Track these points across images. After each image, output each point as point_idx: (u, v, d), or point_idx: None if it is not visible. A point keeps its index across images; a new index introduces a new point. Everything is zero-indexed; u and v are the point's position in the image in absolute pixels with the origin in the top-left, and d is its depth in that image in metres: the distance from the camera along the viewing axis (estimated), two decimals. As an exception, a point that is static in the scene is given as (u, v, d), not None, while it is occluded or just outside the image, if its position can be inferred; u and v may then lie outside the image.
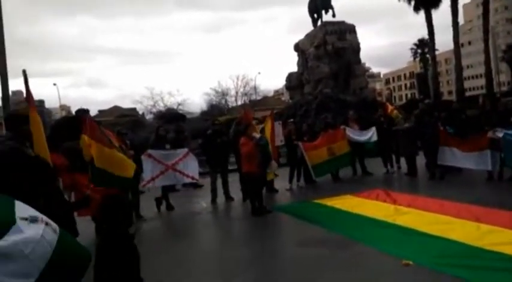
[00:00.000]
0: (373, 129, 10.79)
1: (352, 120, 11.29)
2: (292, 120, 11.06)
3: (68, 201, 5.22)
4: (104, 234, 2.71)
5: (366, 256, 4.87)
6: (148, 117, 43.41)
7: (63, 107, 63.74)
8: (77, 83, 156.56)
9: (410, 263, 4.38)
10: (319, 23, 23.34)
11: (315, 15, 23.61)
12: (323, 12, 23.06)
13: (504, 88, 47.90)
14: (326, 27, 22.13)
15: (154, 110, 46.57)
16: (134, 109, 48.46)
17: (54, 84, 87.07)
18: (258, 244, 5.97)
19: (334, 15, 22.71)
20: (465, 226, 5.52)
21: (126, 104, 60.57)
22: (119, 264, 2.53)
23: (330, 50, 21.53)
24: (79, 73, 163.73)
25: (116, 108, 51.83)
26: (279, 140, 9.48)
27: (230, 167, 9.78)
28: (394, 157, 11.17)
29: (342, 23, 22.37)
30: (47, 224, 2.11)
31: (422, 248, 4.86)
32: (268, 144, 8.20)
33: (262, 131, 9.02)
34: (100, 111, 51.46)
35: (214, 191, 9.23)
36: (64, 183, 5.79)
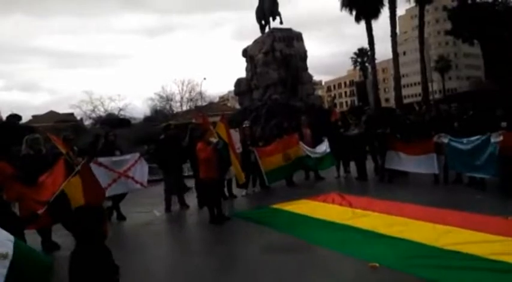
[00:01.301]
0: (325, 141, 10.84)
1: (305, 126, 11.43)
2: (247, 124, 10.93)
3: (18, 217, 4.77)
4: (77, 248, 2.46)
5: (332, 260, 4.88)
6: (87, 122, 41.52)
7: (-8, 112, 59.21)
8: (8, 86, 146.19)
9: (377, 265, 4.43)
10: (266, 29, 23.60)
11: (263, 22, 23.86)
12: (270, 19, 23.34)
13: (437, 96, 51.28)
14: (274, 33, 22.41)
15: (93, 115, 44.64)
16: (72, 114, 46.13)
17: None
18: (220, 252, 5.81)
19: (281, 22, 23.08)
20: (422, 227, 5.69)
21: (62, 109, 57.60)
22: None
23: (278, 56, 21.81)
24: (11, 76, 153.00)
25: (51, 113, 49.09)
26: (236, 147, 9.34)
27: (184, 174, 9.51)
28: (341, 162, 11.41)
29: (289, 30, 22.77)
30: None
31: (385, 250, 4.95)
32: (225, 149, 8.03)
33: (218, 136, 8.85)
34: (34, 117, 48.47)
35: (168, 199, 8.91)
36: (9, 194, 5.28)
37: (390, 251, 4.90)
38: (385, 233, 5.58)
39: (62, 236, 6.12)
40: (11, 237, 2.44)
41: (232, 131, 9.44)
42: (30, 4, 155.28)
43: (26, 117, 34.38)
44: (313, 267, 4.73)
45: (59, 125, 25.54)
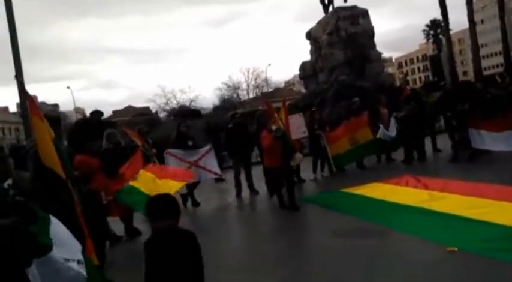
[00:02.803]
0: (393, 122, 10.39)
1: (382, 105, 11.00)
2: (315, 108, 10.81)
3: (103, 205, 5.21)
4: (151, 237, 2.63)
5: (407, 245, 4.70)
6: (162, 115, 43.51)
7: (77, 110, 64.41)
8: (89, 85, 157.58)
9: (456, 249, 4.21)
10: (330, 9, 22.91)
11: (326, 1, 23.18)
12: (334, -3, 22.62)
13: (522, 65, 46.72)
14: (338, 13, 21.69)
15: (167, 107, 46.70)
16: (148, 108, 48.58)
17: (68, 88, 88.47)
18: (290, 237, 5.85)
19: (345, 1, 22.28)
20: (505, 208, 5.29)
21: (139, 103, 60.81)
22: None
23: (343, 36, 21.12)
24: (91, 75, 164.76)
25: (129, 108, 52.08)
26: (302, 131, 9.29)
27: (253, 160, 9.68)
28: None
29: (354, 7, 21.89)
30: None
31: (464, 234, 4.68)
32: (286, 136, 7.70)
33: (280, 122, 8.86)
34: (114, 112, 51.82)
35: (238, 186, 9.14)
36: (95, 185, 5.75)
37: (470, 234, 4.62)
38: (464, 215, 5.25)
39: (142, 222, 6.55)
40: (80, 247, 2.70)
41: (296, 115, 9.40)
42: (99, 7, 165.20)
43: (106, 113, 36.98)
44: (386, 252, 4.61)
45: (136, 119, 27.08)
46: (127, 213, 6.63)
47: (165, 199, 2.78)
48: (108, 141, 6.79)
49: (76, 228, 3.04)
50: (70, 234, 2.63)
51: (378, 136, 10.21)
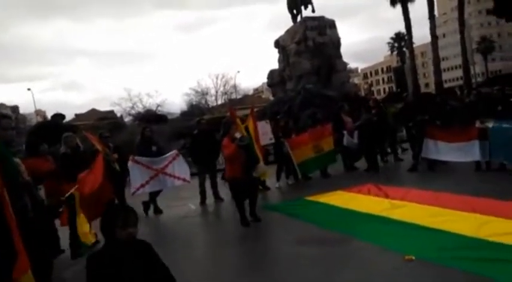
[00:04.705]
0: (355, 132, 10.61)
1: (345, 113, 11.20)
2: (280, 116, 10.87)
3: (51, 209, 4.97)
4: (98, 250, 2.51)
5: (367, 252, 4.76)
6: (127, 119, 42.55)
7: (38, 112, 62.13)
8: (52, 87, 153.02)
9: (413, 258, 4.29)
10: (298, 18, 23.26)
11: (295, 11, 23.54)
12: (302, 7, 22.99)
13: (480, 78, 48.98)
14: (306, 22, 22.06)
15: (133, 111, 45.71)
16: (112, 111, 47.42)
17: (29, 89, 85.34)
18: (255, 245, 5.80)
19: (313, 11, 22.72)
20: (462, 217, 5.46)
21: (104, 107, 59.58)
22: None
23: (310, 45, 21.48)
24: (55, 77, 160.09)
25: (93, 111, 50.87)
26: (268, 138, 9.30)
27: (219, 167, 9.58)
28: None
29: (322, 18, 22.34)
30: None
31: (422, 242, 4.78)
32: (251, 144, 7.12)
33: (246, 130, 8.74)
34: (77, 115, 50.49)
35: (203, 193, 9.02)
36: (47, 189, 5.51)
37: (428, 243, 4.72)
38: (423, 224, 5.38)
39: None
40: None
41: (263, 122, 9.39)
42: (71, 9, 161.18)
43: (69, 116, 35.93)
44: (347, 260, 4.63)
45: (100, 123, 26.38)
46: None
47: (124, 207, 2.71)
48: (65, 145, 6.54)
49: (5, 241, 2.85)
50: None
51: (344, 143, 10.41)
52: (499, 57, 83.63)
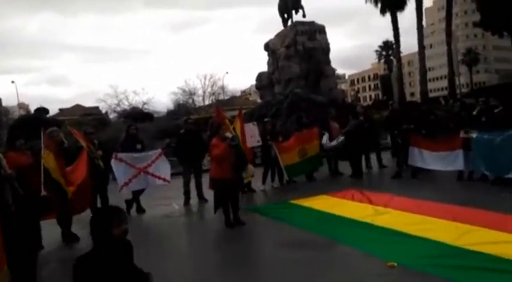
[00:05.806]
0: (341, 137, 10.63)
1: (333, 119, 11.27)
2: (268, 119, 10.87)
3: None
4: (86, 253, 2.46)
5: (350, 257, 4.79)
6: (112, 116, 42.15)
7: (21, 105, 60.99)
8: (37, 81, 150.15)
9: (395, 264, 4.32)
10: (289, 22, 23.32)
11: (285, 15, 23.57)
12: (293, 12, 23.06)
13: (464, 89, 49.88)
14: (297, 27, 22.13)
15: (118, 108, 45.34)
16: (97, 108, 47.00)
17: (12, 82, 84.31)
18: (238, 246, 5.78)
19: (304, 15, 22.77)
20: (443, 226, 5.54)
21: (88, 103, 58.80)
22: None
23: (300, 50, 21.55)
24: (40, 70, 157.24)
25: (77, 107, 50.19)
26: (255, 140, 9.29)
27: (204, 168, 9.53)
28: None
29: (312, 23, 22.43)
30: None
31: (404, 249, 4.83)
32: (240, 145, 7.42)
33: (234, 131, 8.77)
34: (61, 110, 49.69)
35: (187, 193, 8.95)
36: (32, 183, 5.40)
37: (409, 250, 4.78)
38: (405, 231, 5.44)
39: (82, 228, 6.21)
40: None
41: (250, 124, 9.39)
42: (59, 2, 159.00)
43: (53, 111, 35.34)
44: (329, 264, 4.65)
45: (84, 119, 26.00)
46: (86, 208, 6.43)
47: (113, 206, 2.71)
48: (49, 140, 6.42)
49: None
50: None
51: (322, 142, 10.48)
52: (483, 69, 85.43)
